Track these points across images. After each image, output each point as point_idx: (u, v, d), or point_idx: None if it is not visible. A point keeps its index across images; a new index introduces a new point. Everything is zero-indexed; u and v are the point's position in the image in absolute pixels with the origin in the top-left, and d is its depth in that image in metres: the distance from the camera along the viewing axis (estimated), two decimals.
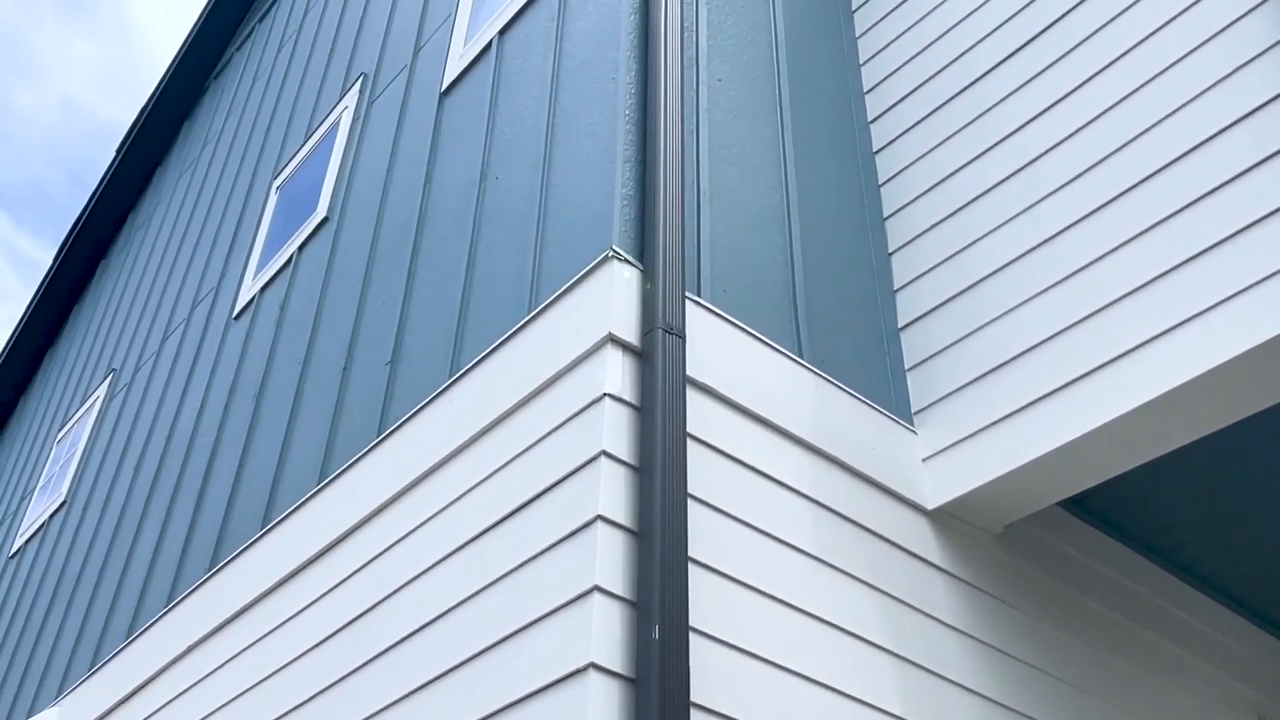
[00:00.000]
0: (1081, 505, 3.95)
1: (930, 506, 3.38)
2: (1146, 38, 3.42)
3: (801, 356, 3.30)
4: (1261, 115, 3.05)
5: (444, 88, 4.68)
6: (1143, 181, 3.23)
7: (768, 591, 2.73)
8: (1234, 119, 3.10)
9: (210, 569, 4.44)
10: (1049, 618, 3.63)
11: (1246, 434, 3.60)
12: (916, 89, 4.15)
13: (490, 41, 4.44)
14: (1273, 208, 2.91)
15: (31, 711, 5.86)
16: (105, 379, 8.08)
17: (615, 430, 2.65)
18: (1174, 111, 3.25)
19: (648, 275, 2.95)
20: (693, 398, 2.86)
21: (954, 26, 4.11)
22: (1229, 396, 3.01)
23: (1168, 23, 3.39)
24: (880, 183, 4.12)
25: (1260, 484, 4.04)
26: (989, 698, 3.22)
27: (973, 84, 3.91)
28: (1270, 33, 3.12)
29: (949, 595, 3.31)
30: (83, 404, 8.43)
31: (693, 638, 2.46)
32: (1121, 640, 3.89)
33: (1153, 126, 3.28)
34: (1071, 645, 3.65)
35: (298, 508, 3.91)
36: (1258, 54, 3.12)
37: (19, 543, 8.10)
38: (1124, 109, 3.38)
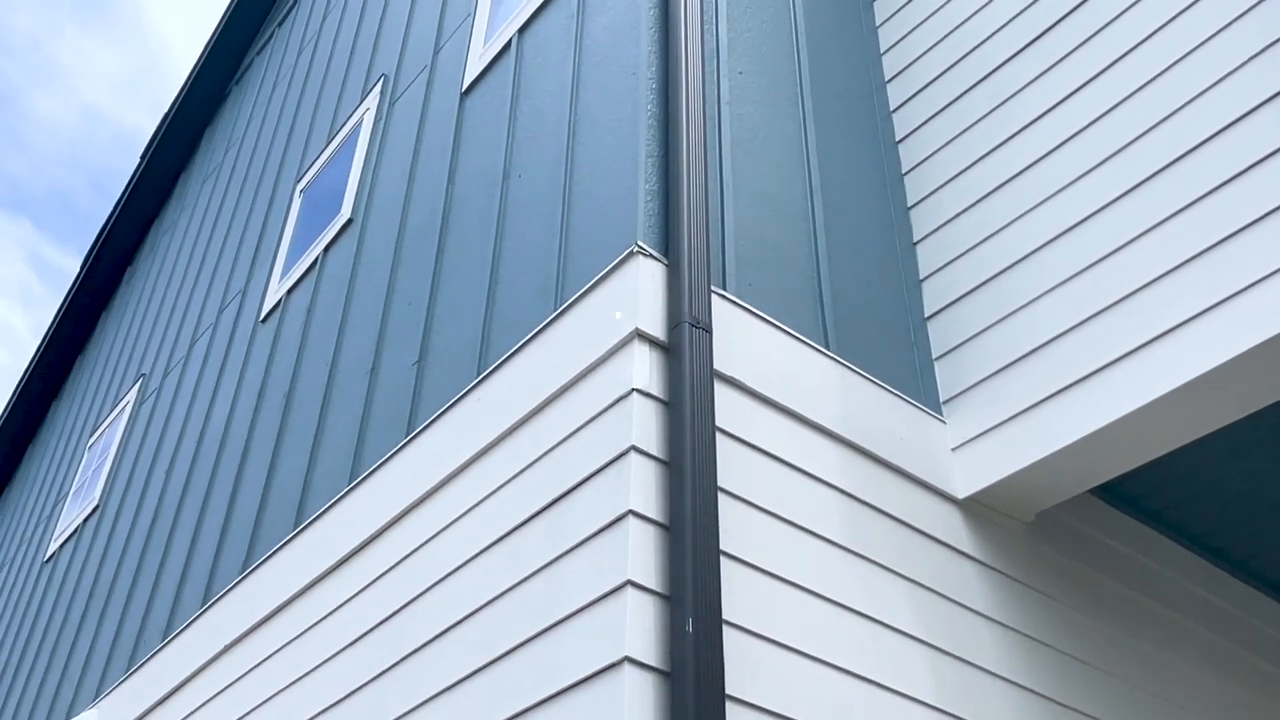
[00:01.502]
0: (1114, 491, 3.93)
1: (960, 496, 3.37)
2: (1168, 22, 3.39)
3: (828, 348, 3.30)
4: None
5: (465, 87, 4.70)
6: (1167, 167, 3.21)
7: (799, 583, 2.74)
8: (1259, 102, 3.07)
9: (244, 570, 4.48)
10: (1082, 605, 3.61)
11: None
12: (937, 78, 4.13)
13: (510, 40, 4.45)
14: None
15: (71, 713, 5.94)
16: (135, 384, 8.16)
17: (644, 425, 2.66)
18: (1197, 96, 3.22)
19: (673, 269, 2.96)
20: (720, 391, 2.87)
21: (974, 14, 4.09)
22: (1261, 380, 2.98)
23: (1190, 6, 3.36)
24: (904, 172, 4.11)
25: None
26: (1022, 685, 3.21)
27: (993, 72, 3.89)
28: None
29: (981, 584, 3.30)
30: (114, 409, 8.52)
31: (726, 630, 2.47)
32: (1156, 626, 3.86)
33: (1176, 112, 3.26)
34: (1105, 632, 3.63)
35: (329, 508, 3.95)
36: None
37: (54, 547, 8.20)
38: (1146, 95, 3.36)
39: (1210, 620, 4.14)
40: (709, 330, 2.87)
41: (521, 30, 4.42)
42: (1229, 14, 3.24)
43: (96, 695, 5.61)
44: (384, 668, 3.17)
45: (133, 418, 7.73)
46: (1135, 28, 3.48)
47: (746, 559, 2.64)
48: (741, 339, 3.04)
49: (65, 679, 6.33)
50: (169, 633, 5.01)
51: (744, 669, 2.46)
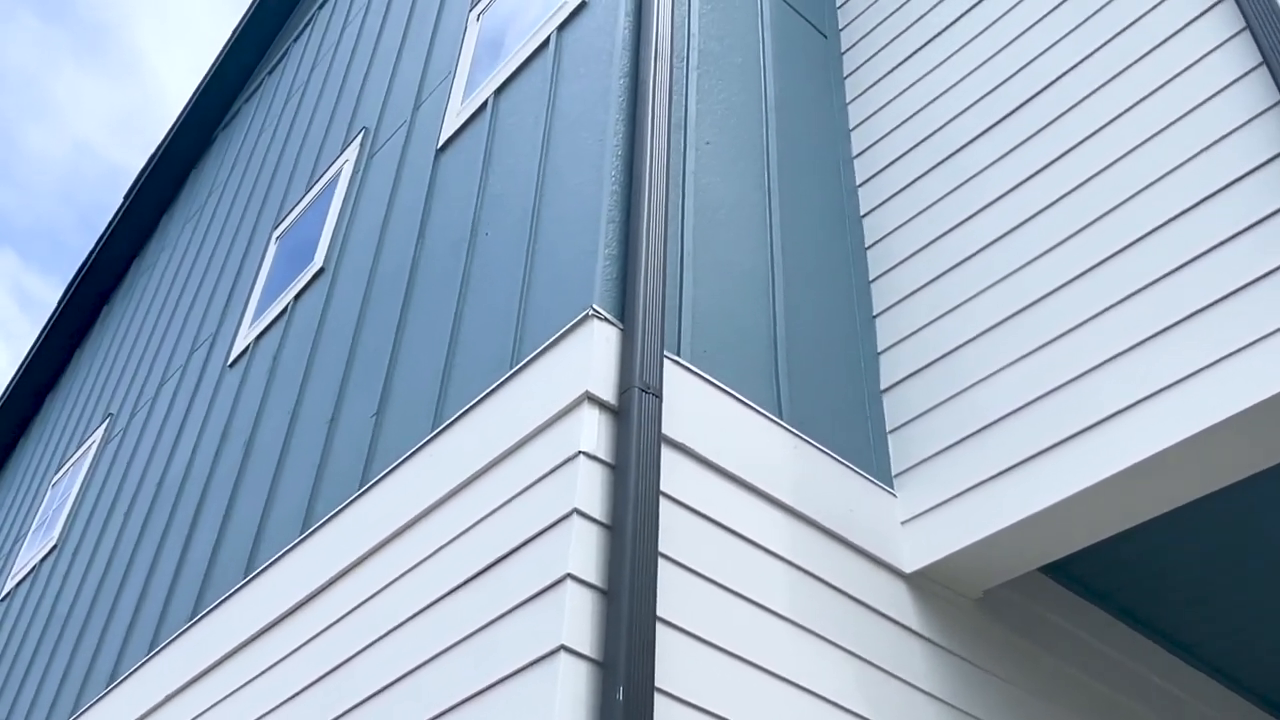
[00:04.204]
0: (1063, 571, 3.93)
1: (909, 570, 3.37)
2: (1127, 110, 3.47)
3: (781, 417, 3.31)
4: (1239, 188, 3.08)
5: (440, 144, 4.74)
6: (1116, 254, 3.27)
7: (739, 654, 2.71)
8: (1211, 191, 3.13)
9: (192, 618, 4.42)
10: (1029, 685, 3.59)
11: (1236, 500, 3.61)
12: (902, 155, 4.20)
13: (486, 100, 4.50)
14: (1249, 279, 2.93)
15: None
16: (103, 423, 8.10)
17: (589, 488, 2.65)
18: (1153, 183, 3.29)
19: (627, 333, 2.98)
20: (668, 457, 2.87)
21: (940, 95, 4.17)
22: (1207, 464, 3.01)
23: (1148, 96, 3.44)
24: (867, 246, 4.16)
25: (1250, 553, 4.02)
26: None
27: (957, 152, 3.96)
28: (1248, 108, 3.16)
29: (927, 661, 3.28)
30: (79, 447, 8.44)
31: (659, 699, 2.44)
32: (1104, 710, 3.84)
33: (1131, 197, 3.32)
34: (1052, 713, 3.61)
35: (280, 558, 3.91)
36: (1236, 128, 3.17)
37: (9, 585, 8.07)
38: (1103, 180, 3.42)
39: (1159, 706, 4.12)
40: (659, 395, 2.88)
41: (498, 91, 4.48)
42: (1185, 106, 3.32)
43: None
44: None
45: (97, 457, 7.66)
46: (1090, 118, 3.56)
47: (685, 627, 2.62)
48: (693, 405, 3.05)
49: (12, 719, 6.20)
50: (115, 678, 4.92)
51: None
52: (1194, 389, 2.93)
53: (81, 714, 5.00)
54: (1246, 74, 3.21)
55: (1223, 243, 3.05)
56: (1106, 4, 3.72)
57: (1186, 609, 4.19)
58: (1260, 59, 3.18)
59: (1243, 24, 3.28)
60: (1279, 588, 4.08)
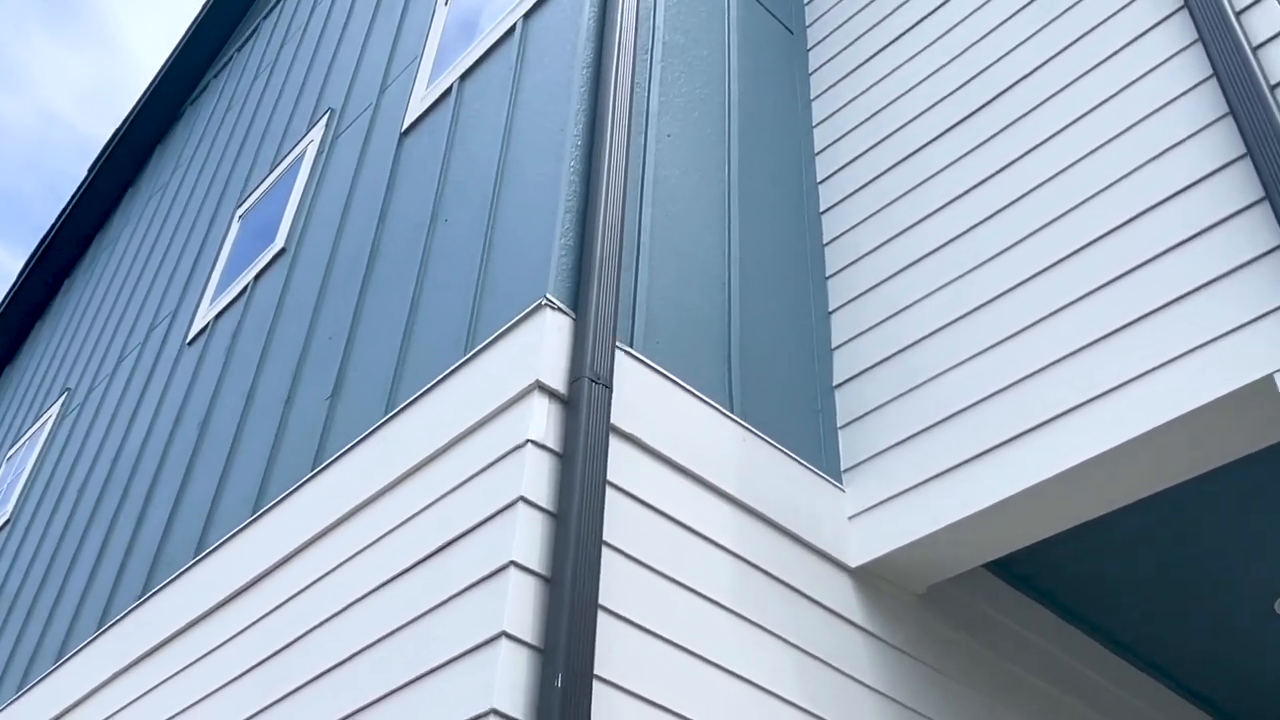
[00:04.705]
0: (1006, 569, 3.99)
1: (854, 565, 3.41)
2: (1081, 117, 3.52)
3: (732, 411, 3.34)
4: (1188, 196, 3.13)
5: (404, 128, 4.74)
6: (1072, 254, 3.31)
7: (680, 643, 2.75)
8: (1160, 199, 3.18)
9: (142, 596, 4.41)
10: (971, 681, 3.65)
11: (1173, 503, 3.68)
12: (864, 153, 4.24)
13: (451, 86, 4.50)
14: (1194, 286, 2.99)
15: None
16: (60, 398, 8.03)
17: (535, 476, 2.67)
18: (1105, 189, 3.34)
19: (580, 323, 2.99)
20: (616, 447, 2.89)
21: (901, 95, 4.21)
22: (1147, 468, 3.07)
23: (1102, 103, 3.49)
24: (825, 242, 4.20)
25: (1186, 555, 4.10)
26: None
27: (916, 152, 4.00)
28: (1198, 118, 3.21)
29: (869, 655, 3.33)
30: (35, 422, 8.36)
31: (597, 686, 2.47)
32: (1045, 707, 3.91)
33: (1084, 202, 3.37)
34: (991, 707, 3.67)
35: (230, 539, 3.90)
36: (1187, 136, 3.22)
37: None
38: (1058, 184, 3.47)
39: (1100, 704, 4.20)
40: (609, 386, 2.90)
41: (463, 77, 4.48)
42: (1138, 113, 3.37)
43: None
44: (270, 701, 3.13)
45: (53, 432, 7.59)
46: (1047, 123, 3.61)
47: (626, 615, 2.65)
48: (643, 396, 3.07)
49: None
50: (64, 654, 4.90)
51: None
52: (1137, 393, 2.98)
53: (29, 689, 4.98)
54: (1198, 85, 3.26)
55: (1170, 249, 3.10)
56: (1065, 11, 3.76)
57: (1126, 609, 4.27)
58: (1211, 71, 3.23)
59: (1195, 36, 3.33)
60: (1212, 590, 4.16)
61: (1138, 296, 3.10)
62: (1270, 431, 2.91)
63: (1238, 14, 3.25)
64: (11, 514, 7.29)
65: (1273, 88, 3.06)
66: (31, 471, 7.52)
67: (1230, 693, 4.72)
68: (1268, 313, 2.82)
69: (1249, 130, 3.01)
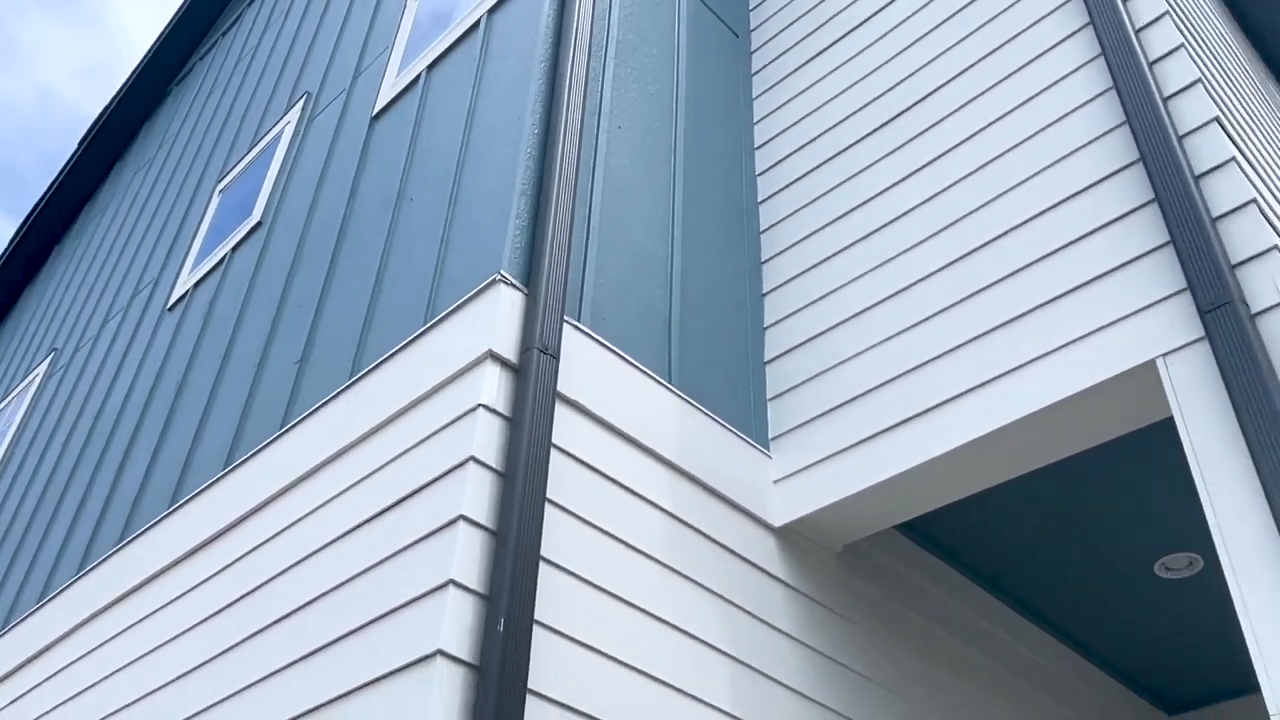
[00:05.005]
0: (915, 530, 4.06)
1: (777, 525, 3.46)
2: (993, 122, 3.56)
3: (670, 382, 3.37)
4: (1087, 196, 3.18)
5: (375, 112, 4.68)
6: (981, 247, 3.36)
7: (614, 592, 2.78)
8: (1063, 198, 3.23)
9: (120, 542, 4.36)
10: (881, 631, 3.72)
11: (1064, 473, 3.76)
12: (799, 149, 4.26)
13: (419, 75, 4.45)
14: (1092, 276, 3.04)
15: None
16: (47, 358, 7.87)
17: (486, 438, 2.68)
18: (1012, 188, 3.38)
19: (531, 298, 3.00)
20: (561, 413, 2.90)
21: (835, 97, 4.23)
22: (1044, 440, 3.13)
23: (1012, 110, 3.53)
24: (761, 230, 4.22)
25: (1081, 521, 4.18)
26: (817, 701, 3.29)
27: (846, 149, 4.03)
28: (1099, 124, 3.26)
29: (788, 606, 3.38)
30: (24, 380, 8.19)
31: (537, 631, 2.50)
32: (947, 656, 4.00)
33: (992, 200, 3.41)
34: (900, 658, 3.74)
35: (202, 491, 3.87)
36: (1087, 142, 3.27)
37: None
38: (969, 183, 3.51)
39: (997, 654, 4.29)
40: (556, 357, 2.91)
41: (430, 66, 4.43)
42: (1036, 125, 3.42)
43: None
44: (235, 641, 3.12)
45: (39, 391, 7.45)
46: (963, 126, 3.65)
47: (566, 566, 2.67)
48: (588, 367, 3.08)
49: None
50: (44, 597, 4.83)
51: (550, 667, 2.49)
52: (1034, 374, 3.04)
53: (10, 629, 4.91)
54: (1098, 96, 3.31)
55: (1067, 245, 3.16)
56: (982, 25, 3.80)
57: (1022, 568, 4.35)
58: (1111, 83, 3.29)
59: (1098, 51, 3.38)
60: (1100, 552, 4.26)
61: (1037, 286, 3.15)
62: (1154, 410, 2.98)
63: (1136, 32, 3.30)
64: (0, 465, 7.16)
65: (1166, 100, 3.12)
66: (19, 425, 7.37)
67: (1117, 645, 4.84)
68: (1153, 303, 2.88)
69: (1143, 138, 3.06)
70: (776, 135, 4.43)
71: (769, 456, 3.59)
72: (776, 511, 3.48)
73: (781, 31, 4.78)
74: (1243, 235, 2.79)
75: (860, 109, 4.08)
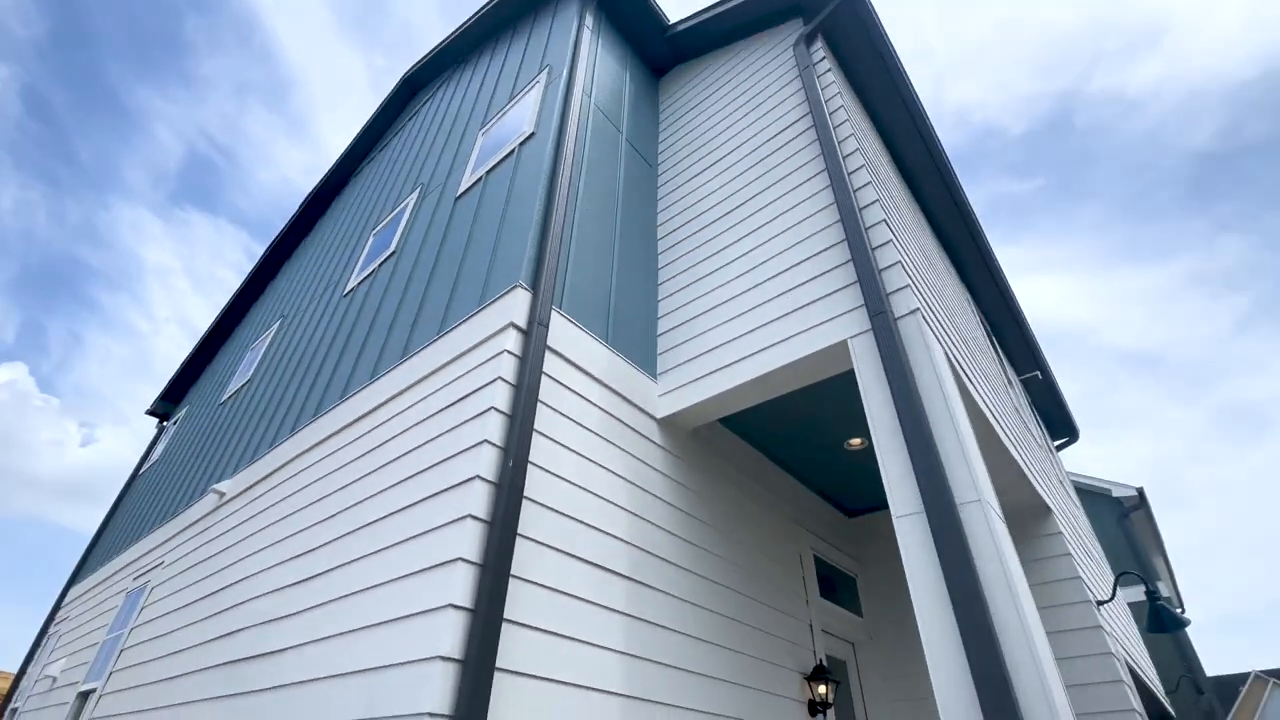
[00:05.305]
0: (728, 422, 4.09)
1: (659, 417, 3.46)
2: (777, 216, 3.56)
3: (608, 341, 3.34)
4: (818, 258, 3.21)
5: (458, 194, 4.52)
6: (749, 290, 3.37)
7: (572, 447, 2.78)
8: (806, 256, 3.25)
9: (314, 416, 4.19)
10: (707, 479, 3.73)
11: (801, 396, 3.80)
12: (678, 228, 4.22)
13: (481, 176, 4.30)
14: (809, 301, 3.08)
15: (219, 479, 5.44)
16: (278, 321, 7.51)
17: (508, 369, 2.65)
18: (780, 252, 3.39)
19: (535, 296, 2.95)
20: (549, 358, 2.87)
21: (697, 202, 4.19)
22: (785, 380, 3.17)
23: (780, 215, 3.53)
24: (660, 266, 4.19)
25: (809, 419, 4.23)
26: (675, 534, 3.30)
27: (698, 231, 4.00)
28: (825, 219, 3.27)
29: (663, 460, 3.40)
30: (265, 332, 7.81)
31: (530, 468, 2.47)
32: (739, 497, 4.05)
33: (767, 260, 3.42)
34: (713, 497, 3.75)
35: (359, 390, 3.73)
36: (819, 230, 3.28)
37: (239, 382, 7.47)
38: (762, 248, 3.51)
39: (762, 483, 4.32)
40: (547, 326, 2.88)
41: (489, 171, 4.29)
42: (795, 220, 3.43)
43: (234, 471, 5.16)
44: (343, 507, 2.99)
45: (274, 340, 7.10)
46: (759, 218, 3.64)
47: (547, 434, 2.66)
48: (564, 333, 3.05)
49: (220, 463, 5.79)
50: (274, 444, 4.64)
51: (533, 482, 2.47)
52: (785, 347, 3.09)
53: (250, 464, 4.72)
54: (827, 207, 3.33)
55: (808, 280, 3.19)
56: (767, 172, 3.78)
57: (782, 443, 4.38)
58: (838, 216, 3.30)
59: (832, 200, 3.39)
60: (818, 435, 4.30)
61: (785, 302, 3.19)
62: (845, 364, 3.04)
63: (855, 191, 3.33)
64: (252, 377, 6.84)
65: (861, 209, 3.17)
66: (263, 358, 7.04)
67: (824, 480, 4.89)
68: (847, 311, 2.95)
69: (850, 229, 3.11)
70: (668, 220, 4.39)
71: (655, 382, 3.60)
72: (660, 410, 3.49)
73: (675, 164, 4.72)
74: (892, 279, 2.87)
75: (709, 210, 4.06)
